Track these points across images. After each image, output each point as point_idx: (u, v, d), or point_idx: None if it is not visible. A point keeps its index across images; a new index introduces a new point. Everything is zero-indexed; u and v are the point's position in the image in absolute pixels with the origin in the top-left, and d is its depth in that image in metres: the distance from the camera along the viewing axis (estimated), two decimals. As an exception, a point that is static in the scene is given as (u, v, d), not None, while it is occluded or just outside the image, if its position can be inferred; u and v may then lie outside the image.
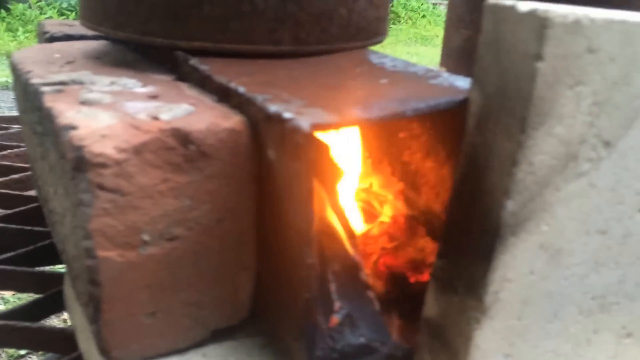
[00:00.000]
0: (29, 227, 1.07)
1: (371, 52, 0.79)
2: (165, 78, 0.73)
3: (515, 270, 0.52)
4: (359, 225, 0.74)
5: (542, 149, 0.49)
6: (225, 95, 0.64)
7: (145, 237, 0.58)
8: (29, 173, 1.26)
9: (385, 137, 0.77)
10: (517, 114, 0.48)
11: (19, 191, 1.22)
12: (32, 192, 1.20)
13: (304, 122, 0.50)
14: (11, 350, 1.71)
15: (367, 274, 0.63)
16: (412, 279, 0.71)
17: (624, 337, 0.63)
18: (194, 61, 0.70)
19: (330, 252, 0.61)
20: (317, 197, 0.59)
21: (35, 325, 0.85)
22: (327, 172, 0.59)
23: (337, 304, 0.60)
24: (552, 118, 0.48)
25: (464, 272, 0.54)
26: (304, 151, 0.51)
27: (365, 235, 0.72)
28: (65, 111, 0.58)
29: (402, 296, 0.70)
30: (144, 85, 0.68)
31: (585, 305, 0.58)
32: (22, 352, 1.71)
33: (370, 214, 0.75)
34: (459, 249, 0.55)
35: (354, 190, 0.75)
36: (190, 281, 0.62)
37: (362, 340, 0.59)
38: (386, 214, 0.75)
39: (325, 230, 0.61)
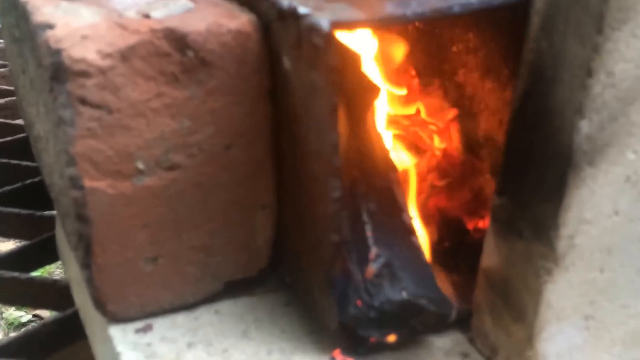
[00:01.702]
0: (15, 161, 1.11)
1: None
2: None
3: (595, 209, 0.52)
4: (402, 159, 0.73)
5: (624, 55, 0.47)
6: (233, -11, 0.62)
7: (140, 165, 0.59)
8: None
9: (435, 52, 0.76)
10: (592, 9, 0.46)
11: (4, 119, 1.24)
12: (21, 121, 1.21)
13: (323, 19, 0.50)
14: (11, 317, 1.84)
15: (411, 216, 0.63)
16: (470, 225, 0.71)
17: None
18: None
19: (365, 187, 0.61)
20: (346, 118, 0.59)
21: (23, 276, 0.88)
22: (357, 87, 0.59)
23: (373, 251, 0.60)
24: (638, 14, 0.46)
25: (529, 211, 0.54)
26: (324, 57, 0.51)
27: (411, 170, 0.72)
28: (42, 6, 0.59)
29: (457, 246, 0.71)
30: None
31: (688, 255, 0.56)
32: (24, 319, 1.84)
33: (416, 147, 0.75)
34: (523, 182, 0.54)
35: (397, 117, 0.75)
36: (197, 221, 0.63)
37: (404, 295, 0.60)
38: (437, 146, 0.75)
39: (358, 160, 0.61)
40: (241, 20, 0.60)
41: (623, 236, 0.55)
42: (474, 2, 0.53)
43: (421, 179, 0.73)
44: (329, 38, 0.50)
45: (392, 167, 0.64)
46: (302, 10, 0.53)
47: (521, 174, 0.55)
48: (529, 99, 0.53)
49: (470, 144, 0.76)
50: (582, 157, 0.50)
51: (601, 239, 0.54)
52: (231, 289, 0.69)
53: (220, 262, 0.66)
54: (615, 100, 0.49)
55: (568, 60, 0.49)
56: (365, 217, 0.62)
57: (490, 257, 0.60)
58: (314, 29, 0.51)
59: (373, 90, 0.61)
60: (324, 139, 0.55)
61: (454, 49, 0.74)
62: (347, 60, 0.57)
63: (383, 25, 0.50)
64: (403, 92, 0.76)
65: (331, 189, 0.55)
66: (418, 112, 0.77)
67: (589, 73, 0.48)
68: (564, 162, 0.51)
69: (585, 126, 0.49)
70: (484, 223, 0.71)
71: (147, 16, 0.58)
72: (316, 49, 0.52)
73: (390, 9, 0.52)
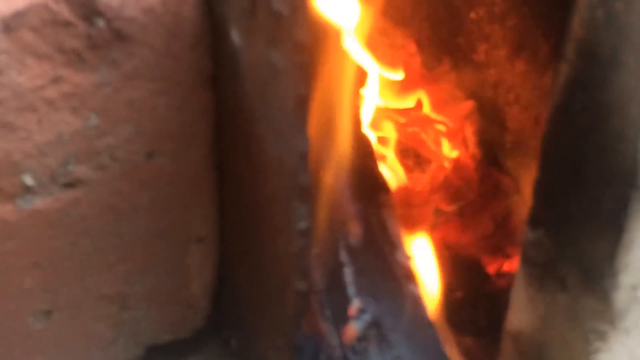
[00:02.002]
0: None
1: None
2: None
3: (667, 248, 0.50)
4: (396, 173, 0.72)
5: None
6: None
7: (28, 180, 0.57)
8: None
9: (445, 19, 0.75)
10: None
11: None
12: None
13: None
14: None
15: (409, 255, 0.62)
16: (491, 268, 0.70)
17: None
18: None
19: (344, 214, 0.60)
20: (319, 115, 0.57)
21: None
22: (335, 71, 0.57)
23: (355, 304, 0.59)
24: None
25: (575, 250, 0.52)
26: (289, 30, 0.49)
27: (409, 189, 0.71)
28: None
29: (473, 297, 0.69)
30: None
31: None
32: None
33: (417, 155, 0.74)
34: (567, 209, 0.52)
35: (390, 112, 0.74)
36: (107, 259, 0.61)
37: (398, 366, 0.58)
38: (445, 154, 0.74)
39: (335, 176, 0.60)
40: (172, -22, 0.58)
41: None
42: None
43: (423, 201, 0.72)
44: (297, 3, 0.49)
45: (383, 186, 0.64)
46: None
47: (565, 196, 0.53)
48: (577, 90, 0.50)
49: (493, 152, 0.75)
50: (650, 175, 0.49)
51: (676, 291, 0.52)
52: (156, 356, 0.67)
53: (141, 317, 0.65)
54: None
55: (634, 38, 0.47)
56: (344, 257, 0.60)
57: (519, 313, 0.58)
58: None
59: (357, 75, 0.61)
60: (287, 144, 0.53)
61: (472, 15, 0.73)
62: (321, 34, 0.56)
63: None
64: (399, 76, 0.75)
65: (296, 217, 0.53)
66: (420, 104, 0.76)
67: (664, 55, 0.46)
68: (625, 181, 0.49)
69: (657, 131, 0.48)
70: (511, 265, 0.69)
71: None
72: (278, 18, 0.50)
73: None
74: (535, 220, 0.55)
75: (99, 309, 0.63)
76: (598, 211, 0.51)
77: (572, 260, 0.53)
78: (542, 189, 0.55)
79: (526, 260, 0.56)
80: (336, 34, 0.58)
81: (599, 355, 0.52)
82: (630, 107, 0.48)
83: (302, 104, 0.51)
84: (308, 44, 0.50)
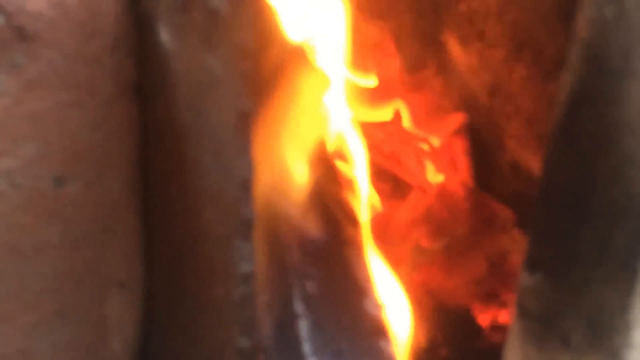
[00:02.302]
0: None
1: None
2: None
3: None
4: (369, 202, 0.72)
5: None
6: None
7: None
8: None
9: (429, 12, 0.75)
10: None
11: None
12: None
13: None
14: None
15: (380, 303, 0.63)
16: (484, 320, 0.71)
17: None
18: None
19: (299, 254, 0.60)
20: (267, 133, 0.58)
21: None
22: (289, 78, 0.58)
23: None
24: None
25: (580, 299, 0.53)
26: (228, 30, 0.50)
27: (384, 221, 0.72)
28: None
29: (462, 354, 0.70)
30: None
31: None
32: None
33: (395, 179, 0.74)
34: (570, 250, 0.53)
35: (362, 126, 0.73)
36: (6, 309, 0.62)
37: None
38: (429, 180, 0.74)
39: (288, 207, 0.61)
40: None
41: None
42: None
43: (401, 236, 0.73)
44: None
45: (350, 217, 0.64)
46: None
47: (568, 234, 0.54)
48: (582, 104, 0.52)
49: (487, 177, 0.76)
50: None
51: None
52: None
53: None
54: None
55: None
56: (298, 307, 0.61)
57: (515, 376, 0.58)
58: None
59: (318, 82, 0.62)
60: (227, 169, 0.54)
61: (463, 7, 0.75)
62: (269, 33, 0.57)
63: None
64: (373, 82, 0.76)
65: (238, 258, 0.54)
66: (399, 117, 0.77)
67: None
68: (639, 215, 0.50)
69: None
70: (508, 316, 0.70)
71: None
72: (215, 16, 0.51)
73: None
74: (533, 262, 0.56)
75: (-5, 369, 0.60)
76: (607, 252, 0.51)
77: (576, 312, 0.54)
78: (542, 225, 0.56)
79: (522, 311, 0.57)
80: (291, 33, 0.58)
81: None
82: (644, 123, 0.47)
83: (246, 120, 0.52)
84: (253, 48, 0.51)
